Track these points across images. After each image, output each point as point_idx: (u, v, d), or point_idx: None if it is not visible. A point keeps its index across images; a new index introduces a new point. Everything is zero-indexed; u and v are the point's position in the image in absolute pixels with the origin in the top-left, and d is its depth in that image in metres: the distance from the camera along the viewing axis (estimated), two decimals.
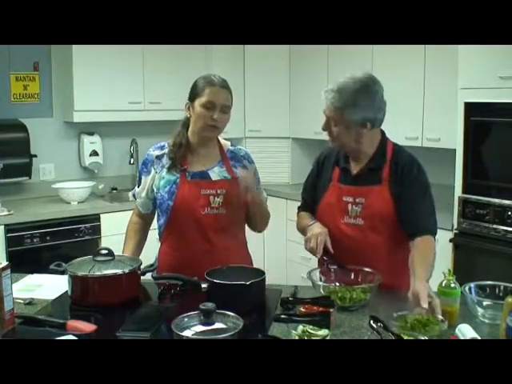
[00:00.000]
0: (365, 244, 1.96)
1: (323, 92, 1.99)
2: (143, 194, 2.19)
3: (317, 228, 1.97)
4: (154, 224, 2.25)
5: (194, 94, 2.06)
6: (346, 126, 1.93)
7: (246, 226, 2.24)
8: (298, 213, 2.21)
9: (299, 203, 2.23)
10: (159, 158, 2.14)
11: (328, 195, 2.04)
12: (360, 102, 1.90)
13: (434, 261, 1.90)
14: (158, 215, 2.18)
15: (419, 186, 1.97)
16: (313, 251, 1.93)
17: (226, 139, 2.24)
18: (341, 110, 1.91)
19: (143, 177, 2.18)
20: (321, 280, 1.90)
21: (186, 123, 2.13)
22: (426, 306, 1.59)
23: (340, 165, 2.05)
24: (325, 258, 1.94)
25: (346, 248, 1.95)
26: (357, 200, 1.97)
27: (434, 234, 1.96)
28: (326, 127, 1.99)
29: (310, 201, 2.13)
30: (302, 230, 2.11)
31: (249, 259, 2.23)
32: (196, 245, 2.07)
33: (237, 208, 2.08)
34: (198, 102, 2.03)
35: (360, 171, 2.01)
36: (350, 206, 1.98)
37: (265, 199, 2.25)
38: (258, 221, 2.19)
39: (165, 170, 2.11)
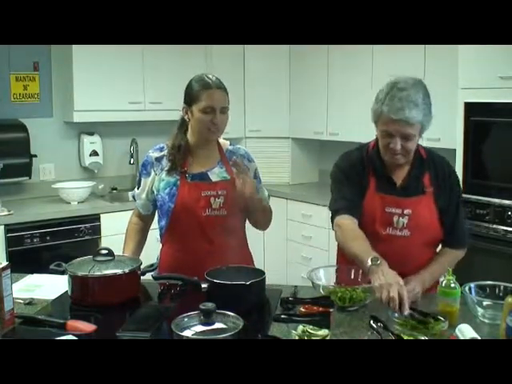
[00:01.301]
0: (409, 255, 1.89)
1: (392, 113, 1.77)
2: (143, 196, 2.19)
3: (391, 275, 1.63)
4: (155, 224, 2.25)
5: (190, 99, 2.04)
6: (418, 138, 1.87)
7: (247, 226, 2.23)
8: (337, 216, 1.91)
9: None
10: (158, 159, 2.13)
11: (367, 205, 1.92)
12: (430, 107, 1.87)
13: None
14: (159, 217, 2.17)
15: (459, 192, 2.00)
16: (393, 304, 1.57)
17: (225, 139, 2.23)
18: (421, 123, 1.83)
19: (143, 179, 2.18)
20: (320, 280, 1.89)
21: (183, 125, 2.12)
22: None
23: (378, 173, 1.95)
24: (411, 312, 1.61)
25: (384, 257, 1.74)
26: (405, 212, 1.90)
27: (466, 247, 2.04)
28: (400, 146, 1.82)
29: (355, 199, 1.92)
30: (354, 255, 1.79)
31: (250, 259, 2.23)
32: (198, 246, 2.07)
33: (238, 209, 2.07)
34: (196, 108, 2.01)
35: (404, 181, 1.94)
36: (395, 218, 1.90)
37: (266, 197, 2.24)
38: (260, 218, 2.18)
39: (164, 172, 2.11)
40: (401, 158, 1.87)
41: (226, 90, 2.06)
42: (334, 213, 1.94)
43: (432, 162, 1.99)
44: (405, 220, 1.90)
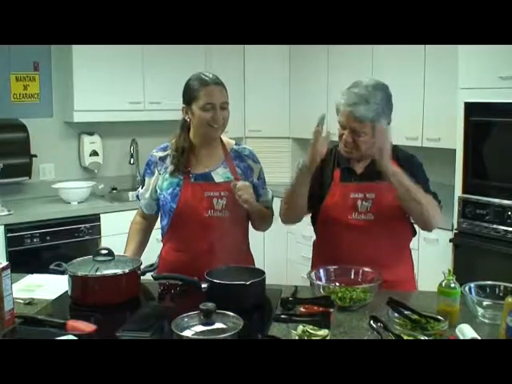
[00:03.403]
0: (373, 238, 1.96)
1: (344, 106, 1.90)
2: (147, 195, 2.19)
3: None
4: (156, 224, 2.25)
5: (189, 98, 2.03)
6: (370, 135, 1.90)
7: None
8: None
9: None
10: (162, 159, 2.13)
11: (331, 195, 2.02)
12: (387, 106, 1.91)
13: (431, 210, 1.92)
14: (161, 216, 2.18)
15: (422, 174, 2.02)
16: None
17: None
18: (373, 121, 1.87)
19: (147, 178, 2.18)
20: (320, 280, 1.90)
21: (185, 125, 2.11)
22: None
23: (341, 165, 2.04)
24: None
25: (352, 243, 1.96)
26: (367, 195, 1.98)
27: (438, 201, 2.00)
28: (351, 139, 1.91)
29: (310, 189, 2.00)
30: (290, 192, 1.99)
31: (251, 261, 2.23)
32: (199, 247, 2.06)
33: (240, 210, 2.06)
34: (196, 106, 2.01)
35: (365, 169, 2.02)
36: (359, 202, 1.98)
37: (269, 199, 2.22)
38: (257, 222, 2.19)
39: (168, 172, 2.10)
40: (352, 151, 1.95)
41: (225, 86, 2.05)
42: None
43: (396, 155, 2.02)
44: (368, 204, 1.98)
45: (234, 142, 2.21)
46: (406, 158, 2.03)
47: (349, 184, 2.01)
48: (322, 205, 2.04)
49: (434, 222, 1.96)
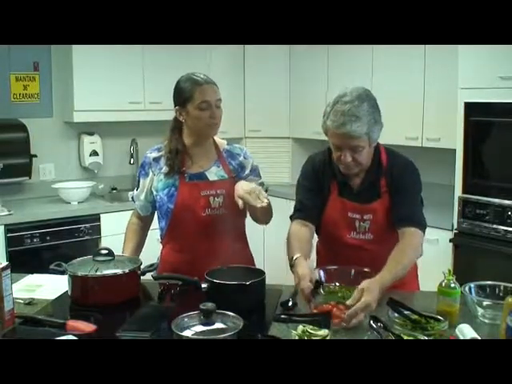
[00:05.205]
0: (375, 255, 1.91)
1: (335, 128, 1.80)
2: (142, 197, 2.19)
3: (302, 267, 1.78)
4: (155, 224, 2.25)
5: (183, 99, 2.03)
6: (370, 147, 1.88)
7: (247, 226, 2.22)
8: (292, 222, 2.06)
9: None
10: (156, 160, 2.13)
11: (330, 209, 1.99)
12: (377, 112, 1.85)
13: (415, 257, 1.88)
14: (159, 218, 2.18)
15: (411, 187, 1.96)
16: (303, 295, 1.70)
17: (225, 139, 2.23)
18: (367, 134, 1.82)
19: (141, 179, 2.18)
20: (321, 280, 1.89)
21: (175, 128, 2.12)
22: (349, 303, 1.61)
23: (338, 178, 1.98)
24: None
25: (353, 259, 1.92)
26: (365, 217, 1.95)
27: (421, 226, 1.91)
28: (350, 158, 1.85)
29: (310, 203, 2.01)
30: (289, 257, 1.93)
31: (251, 259, 2.23)
32: (198, 246, 2.06)
33: (237, 207, 2.06)
34: (191, 106, 2.01)
35: (360, 186, 1.97)
36: (357, 223, 1.96)
37: (260, 184, 2.15)
38: (260, 216, 2.14)
39: (163, 173, 2.10)
40: (354, 169, 1.91)
41: (216, 84, 2.07)
42: (290, 219, 2.07)
43: (391, 165, 1.97)
44: (366, 224, 1.95)
45: (225, 142, 2.22)
46: (400, 164, 1.97)
47: (347, 202, 1.97)
48: (322, 220, 2.01)
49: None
